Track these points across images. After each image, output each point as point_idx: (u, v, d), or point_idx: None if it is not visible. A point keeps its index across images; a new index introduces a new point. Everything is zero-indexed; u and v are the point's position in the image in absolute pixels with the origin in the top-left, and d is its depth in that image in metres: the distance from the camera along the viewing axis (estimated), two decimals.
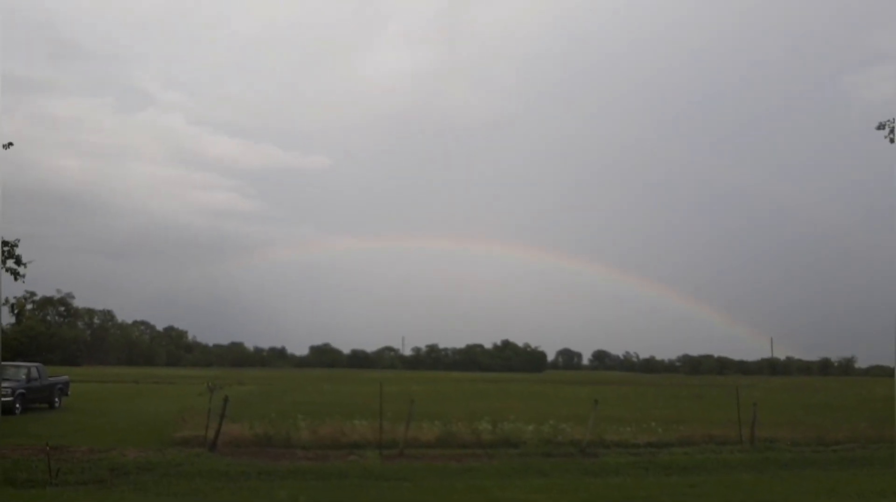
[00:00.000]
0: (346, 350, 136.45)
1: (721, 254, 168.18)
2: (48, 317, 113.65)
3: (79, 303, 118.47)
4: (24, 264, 15.71)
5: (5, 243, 15.63)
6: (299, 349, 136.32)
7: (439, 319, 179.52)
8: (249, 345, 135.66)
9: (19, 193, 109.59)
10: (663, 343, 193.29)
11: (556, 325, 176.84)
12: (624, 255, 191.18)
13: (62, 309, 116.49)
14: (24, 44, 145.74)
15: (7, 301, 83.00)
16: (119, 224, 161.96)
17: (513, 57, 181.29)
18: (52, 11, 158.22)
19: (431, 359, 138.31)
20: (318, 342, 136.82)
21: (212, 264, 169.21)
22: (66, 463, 13.29)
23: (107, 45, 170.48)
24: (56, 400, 26.49)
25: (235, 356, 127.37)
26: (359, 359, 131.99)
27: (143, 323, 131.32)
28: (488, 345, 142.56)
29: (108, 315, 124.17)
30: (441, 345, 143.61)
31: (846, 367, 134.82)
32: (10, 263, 15.59)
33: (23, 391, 23.78)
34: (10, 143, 15.48)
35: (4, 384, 22.27)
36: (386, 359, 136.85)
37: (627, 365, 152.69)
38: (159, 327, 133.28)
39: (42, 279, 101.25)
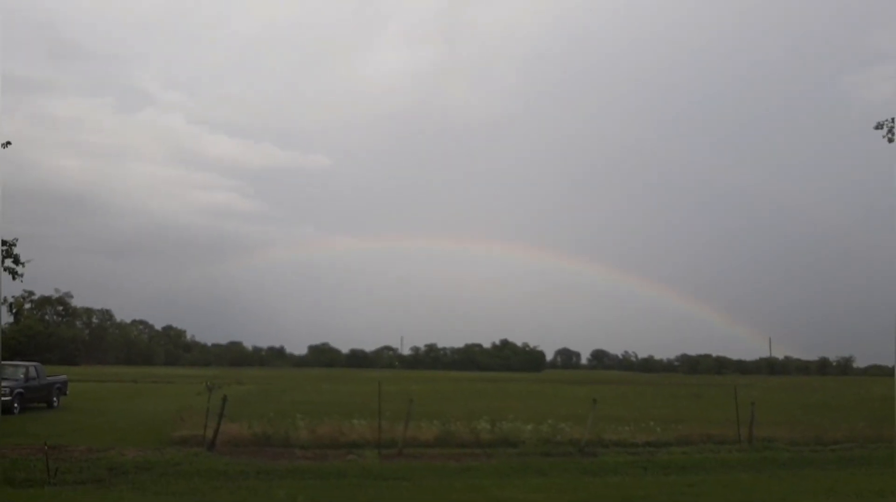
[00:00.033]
0: (344, 349, 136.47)
1: (721, 254, 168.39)
2: (46, 317, 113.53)
3: (78, 302, 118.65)
4: (23, 263, 15.69)
5: (4, 242, 15.60)
6: (298, 348, 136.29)
7: (438, 319, 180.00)
8: (248, 344, 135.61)
9: (19, 193, 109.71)
10: (662, 342, 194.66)
11: (554, 325, 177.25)
12: (624, 255, 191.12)
13: (60, 308, 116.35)
14: (24, 44, 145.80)
15: (5, 300, 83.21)
16: (119, 224, 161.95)
17: (513, 57, 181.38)
18: (52, 11, 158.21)
19: (430, 359, 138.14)
20: (316, 341, 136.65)
21: (211, 264, 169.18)
22: (65, 463, 13.29)
23: (107, 45, 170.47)
24: (54, 399, 26.46)
25: (234, 355, 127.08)
26: (357, 359, 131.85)
27: (141, 322, 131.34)
28: (487, 345, 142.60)
29: (106, 314, 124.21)
30: (440, 345, 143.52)
31: (844, 367, 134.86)
32: (9, 262, 15.57)
33: (21, 390, 23.74)
34: (9, 142, 15.47)
35: (3, 383, 22.20)
36: (385, 359, 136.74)
37: (626, 364, 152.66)
38: (158, 327, 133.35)
39: (42, 279, 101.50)
